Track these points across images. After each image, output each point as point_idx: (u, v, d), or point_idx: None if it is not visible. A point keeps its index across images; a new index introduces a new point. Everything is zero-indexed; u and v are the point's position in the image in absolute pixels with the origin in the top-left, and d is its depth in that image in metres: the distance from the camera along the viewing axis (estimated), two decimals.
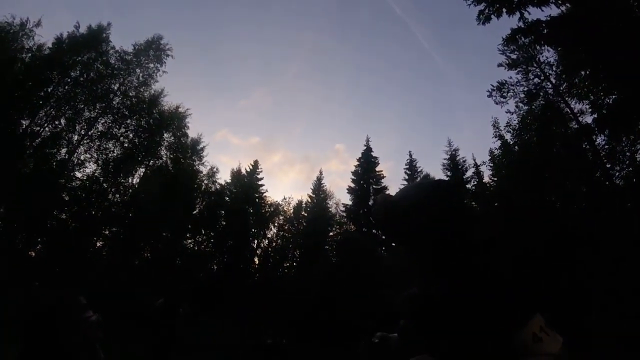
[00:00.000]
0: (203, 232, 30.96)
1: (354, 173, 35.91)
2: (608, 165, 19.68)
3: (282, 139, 78.24)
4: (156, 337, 7.83)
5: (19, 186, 17.78)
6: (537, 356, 1.27)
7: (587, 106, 20.15)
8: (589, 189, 20.29)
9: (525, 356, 1.27)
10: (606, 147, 19.61)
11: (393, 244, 1.65)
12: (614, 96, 18.06)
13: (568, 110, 21.17)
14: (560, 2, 16.44)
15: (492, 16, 17.05)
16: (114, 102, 23.52)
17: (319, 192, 36.92)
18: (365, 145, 36.99)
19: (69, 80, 21.62)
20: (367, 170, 35.48)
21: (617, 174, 19.52)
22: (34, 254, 19.39)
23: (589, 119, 20.01)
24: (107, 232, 22.70)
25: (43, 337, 1.53)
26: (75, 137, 22.14)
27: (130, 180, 24.48)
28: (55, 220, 19.99)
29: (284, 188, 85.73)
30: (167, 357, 7.77)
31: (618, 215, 18.46)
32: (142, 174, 25.01)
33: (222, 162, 70.03)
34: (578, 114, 20.69)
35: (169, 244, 26.94)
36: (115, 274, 19.59)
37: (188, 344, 13.19)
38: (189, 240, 30.33)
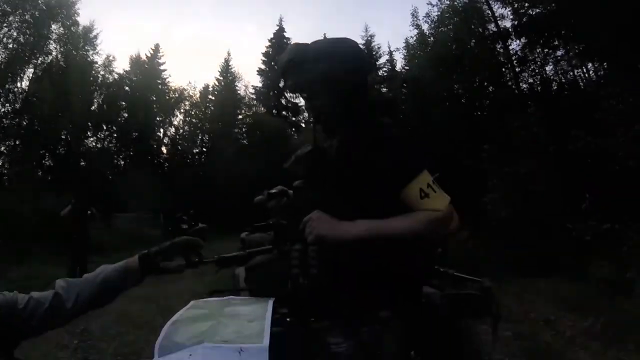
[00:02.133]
0: (104, 127, 28.32)
1: (264, 54, 34.22)
2: (518, 69, 20.99)
3: (186, 20, 67.14)
4: (69, 244, 8.06)
5: None
6: (422, 212, 1.38)
7: (509, 12, 20.52)
8: (496, 88, 21.47)
9: (411, 211, 1.40)
10: (519, 54, 20.71)
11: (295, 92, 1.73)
12: (538, 10, 18.57)
13: (489, 12, 21.45)
14: None
15: None
16: None
17: (227, 74, 34.83)
18: (277, 26, 34.90)
19: None
20: (278, 51, 33.65)
21: (525, 80, 21.05)
22: None
23: (508, 24, 20.54)
24: (2, 148, 19.91)
25: None
26: None
27: (19, 85, 20.92)
28: None
29: (191, 72, 77.86)
30: (84, 262, 7.92)
31: (519, 115, 20.39)
32: (31, 75, 21.31)
33: (119, 50, 60.01)
34: (498, 18, 21.09)
35: (69, 146, 24.53)
36: (18, 187, 17.74)
37: (102, 243, 13.22)
38: (91, 139, 27.73)
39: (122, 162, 30.16)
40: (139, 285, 1.52)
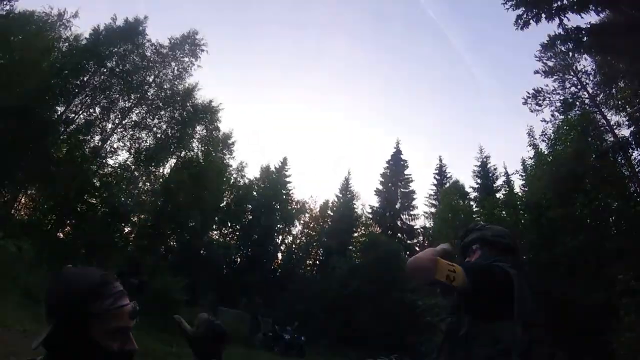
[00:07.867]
0: (229, 224, 31.52)
1: (382, 175, 35.74)
2: None
3: (311, 137, 78.59)
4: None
5: (50, 170, 18.61)
6: None
7: (625, 118, 19.23)
8: (620, 203, 19.36)
9: None
10: None
11: None
12: None
13: (604, 121, 20.29)
14: (600, 9, 15.83)
15: (531, 21, 16.60)
16: (148, 94, 23.92)
17: (346, 192, 36.80)
18: (395, 148, 36.71)
19: (104, 70, 22.11)
20: (395, 172, 35.21)
21: None
22: (62, 235, 20.18)
23: (626, 132, 19.07)
24: (135, 219, 23.26)
25: (71, 323, 1.31)
26: (109, 126, 22.77)
27: (161, 170, 24.91)
28: (85, 204, 20.68)
29: (312, 185, 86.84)
30: None
31: None
32: (173, 164, 25.49)
33: (251, 157, 71.18)
34: (614, 127, 19.76)
35: (194, 234, 27.45)
36: (141, 258, 20.06)
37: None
38: (215, 232, 30.90)
39: (239, 260, 32.24)
40: None
